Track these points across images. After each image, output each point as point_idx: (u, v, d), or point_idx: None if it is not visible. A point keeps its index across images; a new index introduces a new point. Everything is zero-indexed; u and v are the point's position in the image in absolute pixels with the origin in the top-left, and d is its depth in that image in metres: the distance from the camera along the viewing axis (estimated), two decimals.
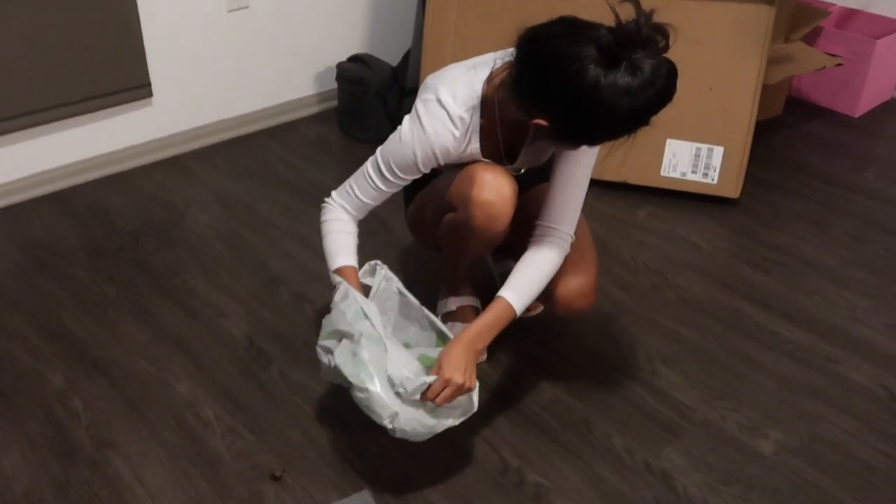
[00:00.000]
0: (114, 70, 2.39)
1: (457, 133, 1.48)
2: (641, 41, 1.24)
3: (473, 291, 1.86)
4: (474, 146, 1.52)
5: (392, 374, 1.39)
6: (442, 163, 1.52)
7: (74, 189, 2.43)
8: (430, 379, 1.38)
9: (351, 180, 1.57)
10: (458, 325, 1.81)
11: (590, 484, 1.52)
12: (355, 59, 2.79)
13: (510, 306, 1.49)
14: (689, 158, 2.39)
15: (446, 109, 1.46)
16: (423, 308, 1.56)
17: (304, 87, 2.87)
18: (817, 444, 1.62)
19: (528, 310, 1.92)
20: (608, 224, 2.30)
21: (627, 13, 1.26)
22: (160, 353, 1.81)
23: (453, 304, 1.84)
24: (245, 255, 2.15)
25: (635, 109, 1.26)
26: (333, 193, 1.59)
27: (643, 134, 2.45)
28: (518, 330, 1.90)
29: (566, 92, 1.26)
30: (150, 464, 1.54)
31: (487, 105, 1.47)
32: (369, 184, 1.54)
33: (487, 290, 1.97)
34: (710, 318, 1.96)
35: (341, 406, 1.68)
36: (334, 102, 2.88)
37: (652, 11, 1.26)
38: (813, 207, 2.41)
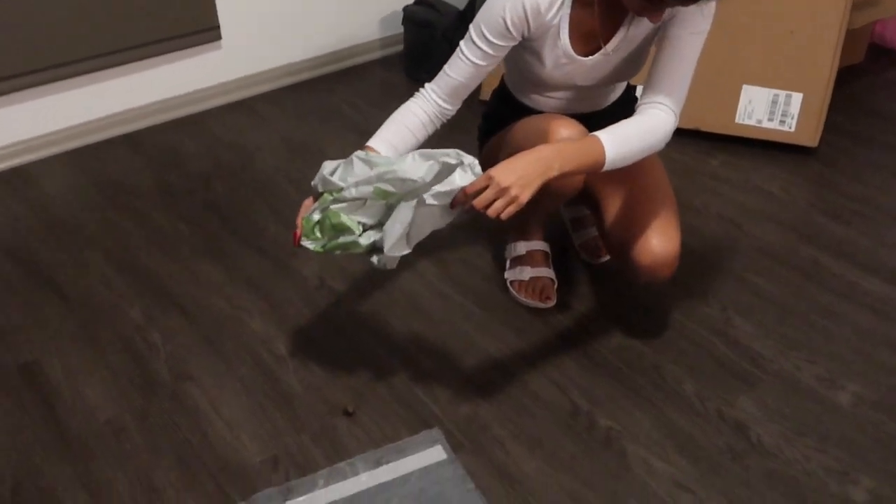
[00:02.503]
0: (184, 12, 2.40)
1: None
2: None
3: (544, 236, 1.84)
4: (564, 29, 1.45)
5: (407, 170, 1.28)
6: (532, 25, 1.43)
7: (147, 131, 2.47)
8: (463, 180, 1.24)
9: (445, 64, 1.51)
10: (528, 270, 1.80)
11: (661, 429, 1.51)
12: (422, 2, 2.75)
13: (601, 144, 1.35)
14: (765, 105, 2.31)
15: None
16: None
17: (370, 30, 2.85)
18: None
19: (596, 256, 1.92)
20: (680, 172, 2.25)
21: None
22: (234, 291, 1.85)
23: (522, 247, 1.82)
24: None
25: None
26: (427, 83, 1.53)
27: (718, 79, 2.39)
28: (588, 275, 1.89)
29: None
30: (226, 397, 1.58)
31: None
32: (461, 58, 1.48)
33: (559, 238, 1.96)
34: (787, 268, 1.91)
35: (413, 344, 1.69)
36: (400, 47, 2.86)
37: None
38: (894, 157, 2.32)
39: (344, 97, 2.65)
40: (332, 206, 1.37)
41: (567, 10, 1.44)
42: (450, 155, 1.29)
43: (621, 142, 1.38)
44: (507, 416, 1.54)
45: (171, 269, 1.91)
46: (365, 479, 1.42)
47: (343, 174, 1.36)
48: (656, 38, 1.50)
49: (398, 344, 1.70)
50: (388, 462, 1.44)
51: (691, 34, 1.43)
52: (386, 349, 1.69)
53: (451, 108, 1.52)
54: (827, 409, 1.55)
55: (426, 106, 1.51)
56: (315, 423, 1.52)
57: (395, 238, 1.33)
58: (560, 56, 1.50)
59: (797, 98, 2.29)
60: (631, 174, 1.59)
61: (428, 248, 1.97)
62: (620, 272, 1.67)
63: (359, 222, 1.38)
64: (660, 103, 1.44)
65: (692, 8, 1.39)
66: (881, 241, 1.99)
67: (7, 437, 1.51)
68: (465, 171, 1.27)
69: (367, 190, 1.34)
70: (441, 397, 1.58)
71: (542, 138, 1.48)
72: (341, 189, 1.35)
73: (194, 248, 1.98)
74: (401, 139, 1.48)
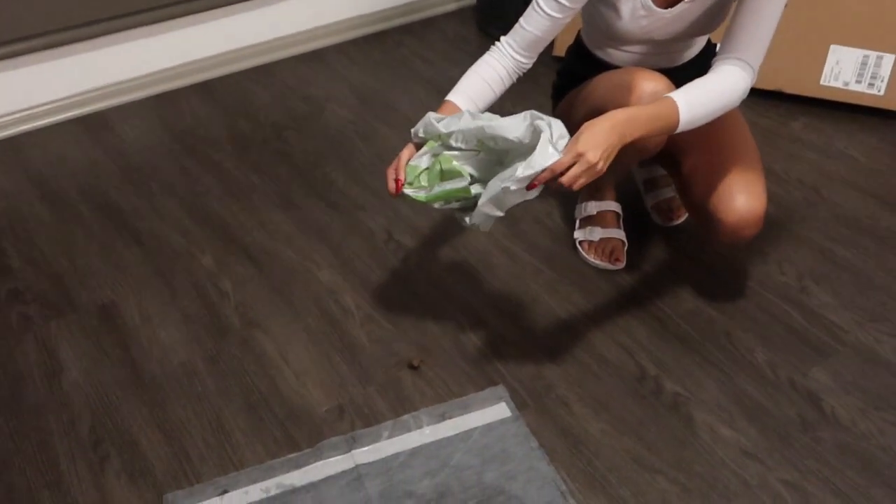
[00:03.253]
0: None
1: None
2: None
3: (616, 196, 1.81)
4: None
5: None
6: None
7: (221, 80, 2.49)
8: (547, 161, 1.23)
9: (521, 17, 1.48)
10: (598, 230, 1.77)
11: (730, 396, 1.48)
12: None
13: (675, 105, 1.32)
14: (854, 66, 2.21)
15: None
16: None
17: None
18: None
19: (669, 218, 1.87)
20: (760, 135, 2.17)
21: None
22: (303, 241, 1.86)
23: (593, 208, 1.79)
24: (383, 151, 2.16)
25: None
26: (503, 36, 1.50)
27: (804, 38, 2.28)
28: (659, 238, 1.85)
29: None
30: (294, 345, 1.61)
31: None
32: (537, 11, 1.44)
33: (631, 199, 1.92)
34: (868, 237, 1.84)
35: (479, 301, 1.69)
36: (472, 0, 2.81)
37: None
38: None
39: (415, 50, 2.62)
40: (445, 153, 1.36)
41: None
42: (543, 119, 1.27)
43: (696, 103, 1.34)
44: (573, 377, 1.53)
45: (243, 218, 1.94)
46: (429, 433, 1.43)
47: (448, 123, 1.35)
48: None
49: (465, 301, 1.70)
50: (452, 417, 1.45)
51: None
52: (453, 305, 1.69)
53: (527, 62, 1.49)
54: None
55: (503, 60, 1.48)
56: (381, 375, 1.54)
57: (491, 197, 1.30)
58: (638, 7, 1.46)
59: (889, 59, 2.18)
60: (715, 131, 1.54)
61: None
62: (699, 232, 1.63)
63: (468, 172, 1.37)
64: (737, 59, 1.38)
65: None
66: None
67: (85, 377, 1.56)
68: (547, 149, 1.24)
69: (472, 142, 1.33)
70: (507, 355, 1.57)
71: (625, 92, 1.45)
72: (449, 135, 1.34)
73: (265, 198, 2.00)
74: (479, 93, 1.46)
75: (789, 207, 1.93)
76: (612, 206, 1.80)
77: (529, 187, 1.26)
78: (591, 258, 1.77)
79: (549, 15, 1.43)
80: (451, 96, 1.46)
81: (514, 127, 1.29)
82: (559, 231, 1.87)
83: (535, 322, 1.64)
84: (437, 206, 1.39)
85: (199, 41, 2.44)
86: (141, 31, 2.34)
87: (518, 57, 1.48)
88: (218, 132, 2.26)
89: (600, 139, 1.25)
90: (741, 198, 1.49)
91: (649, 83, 1.44)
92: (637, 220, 1.87)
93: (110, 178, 2.09)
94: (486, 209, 1.31)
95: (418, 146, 1.41)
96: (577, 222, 1.82)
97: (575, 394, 1.50)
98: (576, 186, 1.26)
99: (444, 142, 1.36)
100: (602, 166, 1.26)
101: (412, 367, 1.55)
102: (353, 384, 1.53)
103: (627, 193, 1.91)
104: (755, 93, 2.26)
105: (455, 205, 1.38)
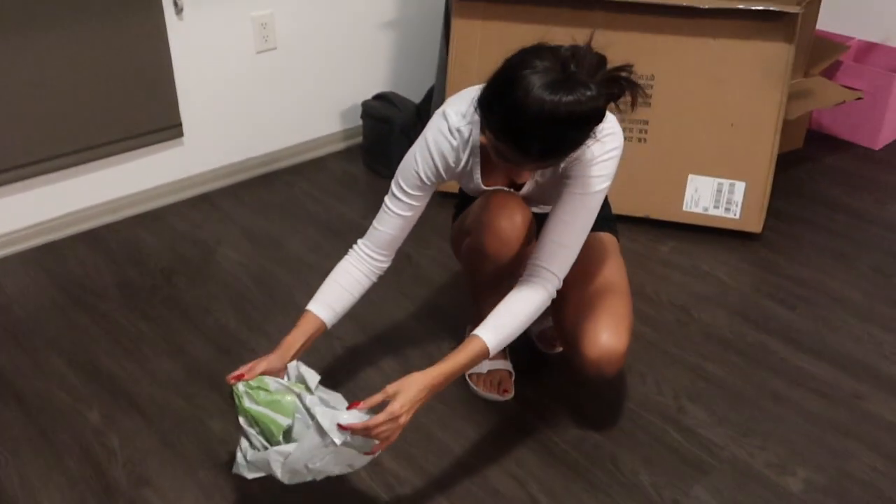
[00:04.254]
0: (146, 111, 2.46)
1: (454, 142, 1.51)
2: (594, 64, 1.27)
3: (506, 354, 1.88)
4: (476, 171, 1.56)
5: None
6: (444, 175, 1.55)
7: (108, 227, 2.49)
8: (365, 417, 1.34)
9: (374, 220, 1.61)
10: (485, 363, 1.83)
11: None
12: (380, 97, 2.84)
13: (486, 349, 1.46)
14: (711, 193, 2.41)
15: (447, 120, 1.51)
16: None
17: (329, 124, 2.93)
18: (846, 481, 1.62)
19: (552, 346, 1.96)
20: (631, 259, 2.32)
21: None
22: (194, 389, 1.85)
23: (486, 366, 1.85)
24: (275, 292, 2.19)
25: (540, 114, 1.25)
26: (360, 239, 1.62)
27: (665, 169, 2.49)
28: (543, 366, 1.93)
29: (500, 75, 1.32)
30: (185, 501, 1.57)
31: None
32: (385, 211, 1.57)
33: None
34: (736, 353, 1.97)
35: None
36: (360, 139, 2.94)
37: (630, 66, 1.30)
38: (836, 241, 2.43)
39: (304, 190, 2.70)
40: (303, 400, 1.43)
41: (477, 159, 1.54)
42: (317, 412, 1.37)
43: (504, 336, 1.48)
44: None
45: (131, 369, 1.91)
46: None
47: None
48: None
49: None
50: None
51: (582, 195, 1.49)
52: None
53: (385, 261, 1.61)
54: (778, 495, 1.59)
55: (361, 264, 1.59)
56: None
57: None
58: (484, 191, 1.60)
59: (740, 186, 2.39)
60: (589, 268, 1.66)
61: (387, 339, 2.00)
62: (569, 365, 1.71)
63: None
64: (545, 270, 1.51)
65: (583, 169, 1.47)
66: (826, 325, 2.07)
67: None
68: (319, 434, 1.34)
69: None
70: (402, 496, 1.58)
71: (481, 210, 1.58)
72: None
73: (154, 347, 1.99)
74: (338, 300, 1.57)
75: (663, 328, 2.06)
76: (505, 364, 1.86)
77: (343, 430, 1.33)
78: (480, 390, 1.83)
79: (399, 214, 1.57)
80: (312, 306, 1.56)
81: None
82: None
83: (428, 460, 1.67)
84: (242, 421, 1.43)
85: (86, 190, 2.45)
86: (23, 184, 2.33)
87: (376, 257, 1.59)
88: (106, 281, 2.24)
89: (414, 400, 1.38)
90: (604, 335, 1.58)
91: (502, 199, 1.56)
92: (523, 350, 1.94)
93: None
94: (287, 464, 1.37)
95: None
96: (470, 378, 1.88)
97: None
98: (384, 443, 1.37)
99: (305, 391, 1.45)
100: (406, 420, 1.37)
101: None
102: None
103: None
104: (626, 219, 2.44)
105: (253, 435, 1.42)
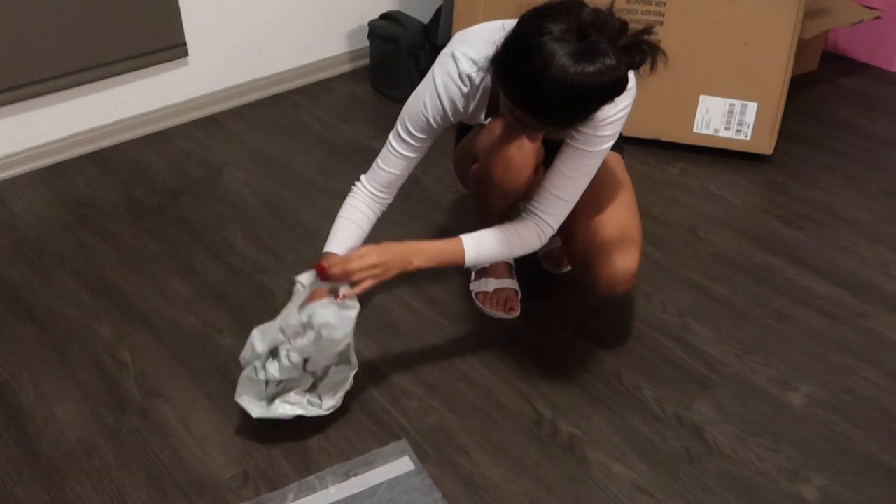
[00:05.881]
0: (150, 30, 2.43)
1: (464, 89, 1.50)
2: (615, 31, 1.24)
3: (512, 273, 1.88)
4: (480, 112, 1.54)
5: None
6: (453, 119, 1.54)
7: (115, 148, 2.49)
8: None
9: (378, 157, 1.61)
10: (492, 281, 1.84)
11: (622, 434, 1.56)
12: (387, 16, 2.79)
13: (462, 251, 1.48)
14: (722, 114, 2.38)
15: (457, 65, 1.49)
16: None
17: (336, 45, 2.88)
18: (847, 397, 1.64)
19: (558, 266, 1.97)
20: (640, 181, 2.31)
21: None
22: (203, 307, 1.87)
23: (492, 284, 1.85)
24: (282, 212, 2.19)
25: (563, 85, 1.23)
26: (362, 176, 1.62)
27: (676, 90, 2.45)
28: (549, 284, 1.94)
29: (525, 22, 1.29)
30: (196, 413, 1.61)
31: None
32: (391, 152, 1.58)
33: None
34: (742, 273, 1.97)
35: (381, 358, 1.73)
36: (367, 60, 2.90)
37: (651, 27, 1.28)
38: (847, 163, 2.40)
39: (311, 111, 2.68)
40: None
41: (484, 104, 1.52)
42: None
43: (483, 248, 1.50)
44: (473, 426, 1.58)
45: (140, 287, 1.93)
46: (334, 492, 1.45)
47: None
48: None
49: (367, 357, 1.73)
50: (356, 474, 1.48)
51: (589, 151, 1.47)
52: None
53: (388, 198, 1.62)
54: (780, 410, 1.61)
55: (366, 200, 1.60)
56: (287, 437, 1.55)
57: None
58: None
59: (752, 107, 2.36)
60: (598, 189, 1.64)
61: None
62: (579, 283, 1.72)
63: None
64: (540, 217, 1.53)
65: (596, 125, 1.45)
66: (832, 245, 2.06)
67: None
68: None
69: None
70: (409, 409, 1.61)
71: (489, 138, 1.55)
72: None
73: (163, 265, 2.00)
74: (353, 238, 1.59)
75: (670, 249, 2.06)
76: (510, 283, 1.87)
77: (319, 270, 1.41)
78: (487, 308, 1.84)
79: (402, 155, 1.57)
80: (330, 247, 1.57)
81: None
82: (456, 284, 1.93)
83: (435, 374, 1.69)
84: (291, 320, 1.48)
85: (92, 110, 2.44)
86: (30, 102, 2.32)
87: (379, 195, 1.60)
88: (113, 201, 2.25)
89: (385, 250, 1.43)
90: (616, 255, 1.59)
91: (511, 127, 1.51)
92: (529, 269, 1.95)
93: (1, 254, 2.05)
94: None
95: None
96: (472, 274, 1.90)
97: (475, 442, 1.55)
98: (354, 279, 1.41)
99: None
100: (381, 273, 1.42)
101: None
102: (257, 449, 1.54)
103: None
104: (634, 141, 2.42)
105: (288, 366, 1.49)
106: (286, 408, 1.52)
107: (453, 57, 1.49)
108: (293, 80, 2.82)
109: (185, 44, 2.51)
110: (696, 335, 1.79)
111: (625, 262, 1.59)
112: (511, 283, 1.87)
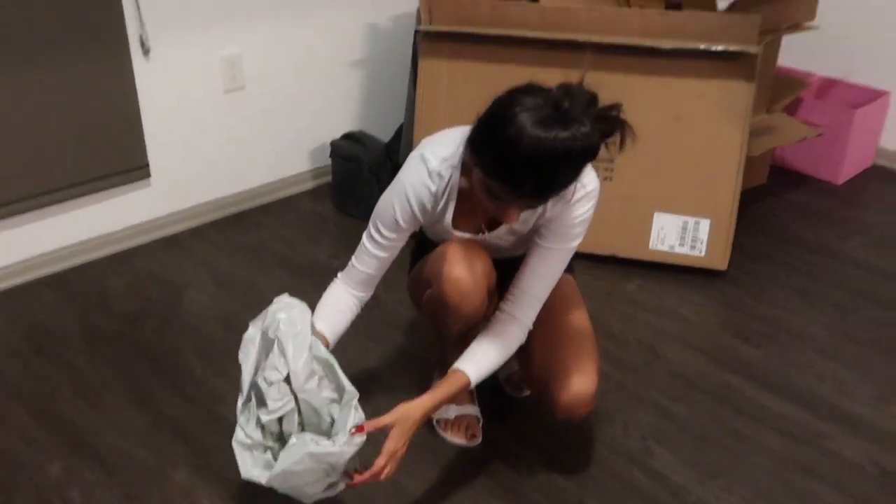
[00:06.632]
0: (113, 152, 2.45)
1: (433, 188, 1.53)
2: (586, 102, 1.29)
3: (474, 399, 1.87)
4: (449, 213, 1.56)
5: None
6: (421, 219, 1.56)
7: (74, 270, 2.47)
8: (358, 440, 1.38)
9: (353, 255, 1.63)
10: (453, 408, 1.83)
11: None
12: (348, 136, 2.85)
13: (469, 382, 1.52)
14: (676, 231, 2.44)
15: (426, 164, 1.52)
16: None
17: (299, 163, 2.93)
18: None
19: (519, 389, 1.96)
20: (598, 298, 2.34)
21: None
22: (158, 440, 1.83)
23: (453, 411, 1.84)
24: (241, 337, 2.17)
25: (536, 151, 1.27)
26: (340, 273, 1.65)
27: (631, 208, 2.51)
28: (511, 408, 1.93)
29: (498, 100, 1.34)
30: None
31: (468, 166, 1.51)
32: (364, 251, 1.59)
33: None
34: (701, 393, 1.98)
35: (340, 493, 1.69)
36: (329, 178, 2.94)
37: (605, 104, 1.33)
38: (799, 277, 2.46)
39: (273, 230, 2.70)
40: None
41: (453, 202, 1.55)
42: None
43: (482, 367, 1.55)
44: None
45: (94, 419, 1.89)
46: None
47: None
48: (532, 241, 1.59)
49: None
50: None
51: (559, 249, 1.55)
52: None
53: (365, 296, 1.64)
54: None
55: (345, 296, 1.62)
56: None
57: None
58: (450, 234, 1.61)
59: (705, 224, 2.42)
60: (553, 313, 1.66)
61: (354, 381, 1.99)
62: (539, 407, 1.71)
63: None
64: (516, 318, 1.57)
65: (563, 221, 1.51)
66: (788, 362, 2.09)
67: None
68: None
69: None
70: None
71: (440, 262, 1.58)
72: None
73: (118, 395, 1.96)
74: (338, 322, 1.60)
75: (630, 368, 2.07)
76: (473, 409, 1.86)
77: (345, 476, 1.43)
78: (448, 436, 1.82)
79: (375, 254, 1.59)
80: (318, 326, 1.56)
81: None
82: None
83: None
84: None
85: (52, 233, 2.43)
86: None
87: (355, 293, 1.62)
88: (70, 327, 2.22)
89: (408, 433, 1.45)
90: (574, 378, 1.60)
91: (460, 250, 1.56)
92: (490, 394, 1.94)
93: None
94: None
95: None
96: (436, 423, 1.87)
97: None
98: (386, 479, 1.44)
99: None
100: (402, 454, 1.45)
101: None
102: None
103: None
104: (592, 258, 2.46)
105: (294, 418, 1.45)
106: (292, 454, 1.41)
107: (422, 157, 1.52)
108: (256, 199, 2.85)
109: (147, 165, 2.54)
110: (658, 459, 1.78)
111: (582, 385, 1.61)
112: (472, 410, 1.85)
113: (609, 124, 1.32)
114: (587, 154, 1.31)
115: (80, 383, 2.00)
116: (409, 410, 1.45)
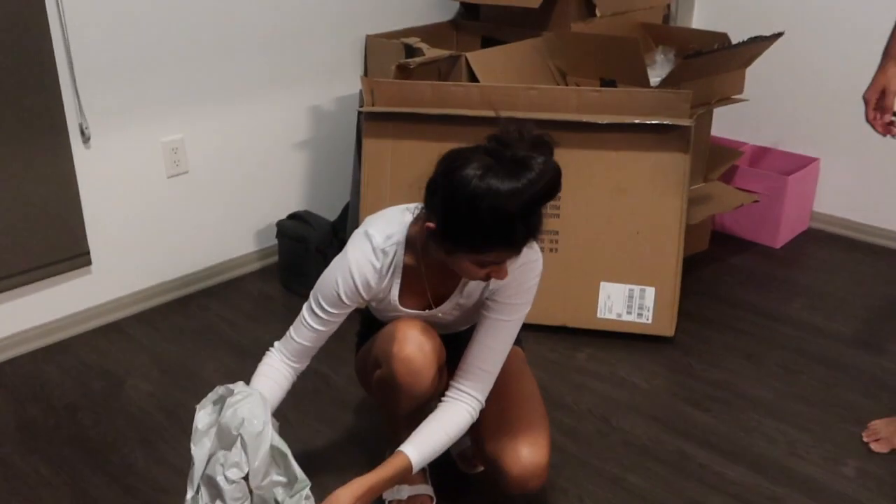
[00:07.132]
0: (53, 240, 2.41)
1: (377, 264, 1.52)
2: (528, 143, 1.32)
3: (427, 478, 1.84)
4: (395, 290, 1.56)
5: None
6: (365, 296, 1.55)
7: (10, 362, 2.38)
8: None
9: (291, 326, 1.61)
10: (405, 488, 1.78)
11: None
12: (294, 216, 2.85)
13: (410, 465, 1.50)
14: (622, 300, 2.46)
15: (370, 241, 1.52)
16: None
17: (245, 245, 2.91)
18: None
19: (473, 466, 1.93)
20: (550, 369, 2.34)
21: None
22: None
23: (405, 491, 1.80)
24: (187, 425, 2.10)
25: (522, 204, 1.30)
26: (276, 342, 1.63)
27: (578, 278, 2.53)
28: (464, 486, 1.89)
29: (446, 185, 1.34)
30: None
31: (412, 243, 1.52)
32: (303, 324, 1.57)
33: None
34: (656, 462, 1.97)
35: None
36: (276, 258, 2.92)
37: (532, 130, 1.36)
38: (745, 340, 2.49)
39: (219, 313, 2.66)
40: None
41: (398, 280, 1.56)
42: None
43: (429, 453, 1.54)
44: None
45: None
46: None
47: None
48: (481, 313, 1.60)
49: None
50: None
51: (507, 321, 1.56)
52: None
53: (301, 366, 1.62)
54: None
55: (278, 363, 1.60)
56: None
57: None
58: (398, 311, 1.60)
59: (650, 291, 2.46)
60: (502, 386, 1.65)
61: (304, 465, 1.94)
62: (493, 482, 1.68)
63: None
64: (468, 394, 1.57)
65: (508, 291, 1.53)
66: (740, 426, 2.10)
67: None
68: None
69: None
70: None
71: (389, 342, 1.57)
72: None
73: (55, 493, 1.88)
74: (269, 390, 1.56)
75: (583, 438, 2.05)
76: (426, 489, 1.82)
77: None
78: None
79: (314, 328, 1.58)
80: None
81: None
82: None
83: None
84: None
85: None
86: None
87: (290, 363, 1.61)
88: (5, 421, 2.13)
89: None
90: (525, 451, 1.58)
91: (410, 329, 1.55)
92: (443, 470, 1.90)
93: None
94: None
95: None
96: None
97: None
98: None
99: None
100: None
101: None
102: None
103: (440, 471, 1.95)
104: (543, 329, 2.46)
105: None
106: None
107: (367, 234, 1.52)
108: (201, 282, 2.81)
109: (88, 252, 2.50)
110: None
111: (534, 457, 1.59)
112: (425, 489, 1.81)
113: (547, 147, 1.35)
114: (559, 174, 1.34)
115: (14, 482, 1.91)
116: (339, 495, 1.44)
